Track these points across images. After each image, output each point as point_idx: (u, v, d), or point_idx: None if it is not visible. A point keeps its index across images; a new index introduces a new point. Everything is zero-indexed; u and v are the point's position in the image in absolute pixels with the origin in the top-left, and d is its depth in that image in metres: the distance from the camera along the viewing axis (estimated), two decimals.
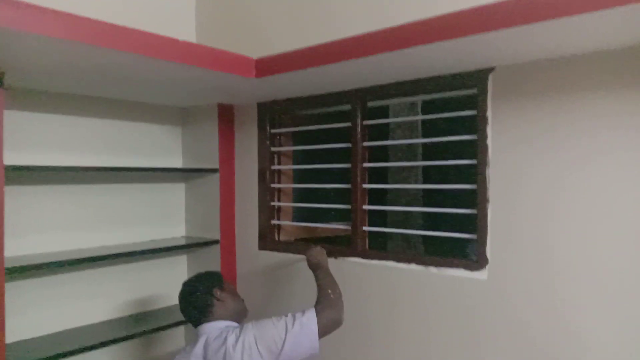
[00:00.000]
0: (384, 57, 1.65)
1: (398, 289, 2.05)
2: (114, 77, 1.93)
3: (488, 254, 1.81)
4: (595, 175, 1.59)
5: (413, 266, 2.01)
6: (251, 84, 2.09)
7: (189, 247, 2.51)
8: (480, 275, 1.83)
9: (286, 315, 1.67)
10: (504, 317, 1.77)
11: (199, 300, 1.80)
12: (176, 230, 2.75)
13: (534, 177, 1.71)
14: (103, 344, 2.11)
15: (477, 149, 1.84)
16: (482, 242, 1.82)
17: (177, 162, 2.75)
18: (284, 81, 2.03)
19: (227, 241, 2.63)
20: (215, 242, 2.59)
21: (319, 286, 1.80)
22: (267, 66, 1.94)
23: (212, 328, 1.75)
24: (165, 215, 2.70)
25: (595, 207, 1.59)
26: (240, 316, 1.87)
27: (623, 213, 1.54)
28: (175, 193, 2.75)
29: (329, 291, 1.75)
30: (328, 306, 1.69)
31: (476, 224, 1.84)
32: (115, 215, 2.47)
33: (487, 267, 1.81)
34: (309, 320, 1.63)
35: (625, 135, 1.53)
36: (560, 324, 1.65)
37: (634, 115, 1.52)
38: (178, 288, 2.73)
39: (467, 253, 1.97)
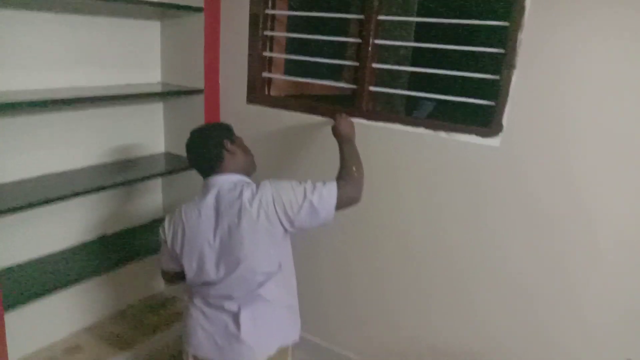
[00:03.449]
0: None
1: (404, 153, 2.03)
2: None
3: (504, 121, 1.80)
4: (626, 48, 1.54)
5: (421, 130, 1.97)
6: None
7: (171, 94, 2.28)
8: (493, 142, 1.83)
9: (306, 182, 1.61)
10: (514, 186, 1.82)
11: (209, 151, 1.67)
12: (150, 76, 2.48)
13: (565, 43, 1.64)
14: (77, 194, 1.95)
15: (511, 11, 1.72)
16: (500, 109, 1.80)
17: None
18: None
19: (211, 91, 2.42)
20: (199, 91, 2.38)
21: (343, 159, 1.74)
22: None
23: (224, 181, 1.66)
24: (139, 57, 2.39)
25: (622, 82, 1.57)
26: (250, 171, 1.78)
27: None
28: (149, 33, 2.42)
29: (354, 168, 1.69)
30: (350, 183, 1.64)
31: (497, 90, 1.79)
32: (86, 53, 2.15)
33: (501, 134, 1.82)
34: (329, 193, 1.58)
35: None
36: (570, 194, 1.72)
37: None
38: (154, 138, 2.57)
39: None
